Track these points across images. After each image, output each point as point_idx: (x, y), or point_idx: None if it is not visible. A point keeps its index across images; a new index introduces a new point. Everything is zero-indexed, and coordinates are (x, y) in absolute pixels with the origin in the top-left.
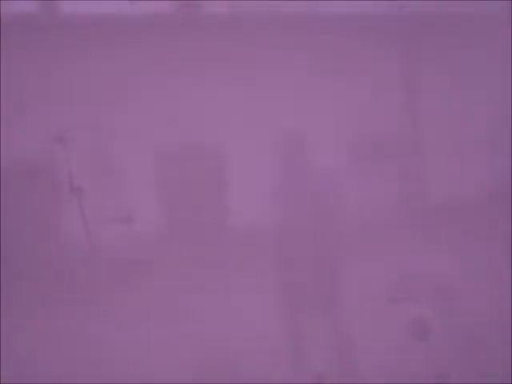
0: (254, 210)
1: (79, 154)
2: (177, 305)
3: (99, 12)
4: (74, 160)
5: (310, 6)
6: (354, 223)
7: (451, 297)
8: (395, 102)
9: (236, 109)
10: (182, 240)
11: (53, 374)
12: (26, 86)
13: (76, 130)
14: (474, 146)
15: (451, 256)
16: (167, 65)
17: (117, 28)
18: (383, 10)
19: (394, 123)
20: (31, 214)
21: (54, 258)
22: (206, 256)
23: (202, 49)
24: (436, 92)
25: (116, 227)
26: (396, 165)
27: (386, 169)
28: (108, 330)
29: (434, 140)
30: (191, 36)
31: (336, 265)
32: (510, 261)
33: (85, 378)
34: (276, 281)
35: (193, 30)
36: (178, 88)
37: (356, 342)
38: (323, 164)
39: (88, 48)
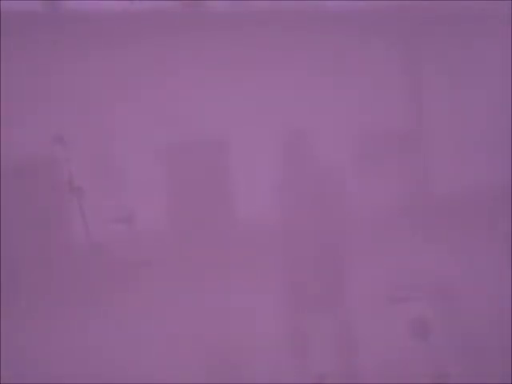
0: (257, 208)
1: (79, 154)
2: (178, 304)
3: (100, 10)
4: (74, 160)
5: (311, 5)
6: (355, 221)
7: (451, 296)
8: (397, 100)
9: (237, 108)
10: (184, 239)
11: (52, 373)
12: (25, 86)
13: (76, 129)
14: (475, 145)
15: (452, 255)
16: (167, 64)
17: (117, 26)
18: (384, 8)
19: (397, 121)
20: (31, 214)
21: (54, 257)
22: (209, 255)
23: (203, 48)
24: (437, 90)
25: (116, 227)
26: (398, 163)
27: (388, 167)
28: (108, 329)
29: (435, 138)
30: (192, 35)
31: (338, 264)
32: (511, 260)
33: (84, 376)
34: (279, 279)
35: (194, 29)
36: (177, 87)
37: (357, 342)
38: (325, 162)
39: (88, 47)
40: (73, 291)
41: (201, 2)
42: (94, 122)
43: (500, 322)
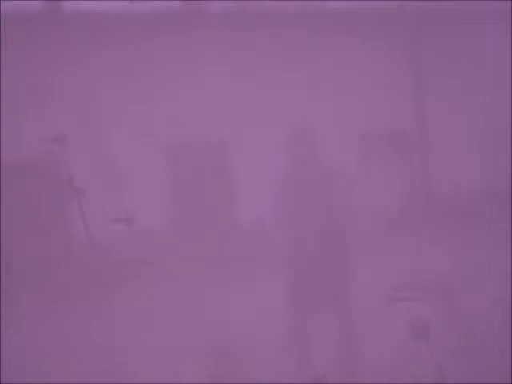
0: (259, 208)
1: (79, 154)
2: (178, 304)
3: (100, 10)
4: (74, 160)
5: (313, 4)
6: (356, 221)
7: (452, 296)
8: (399, 101)
9: (239, 108)
10: (185, 238)
11: (52, 372)
12: (25, 86)
13: (76, 129)
14: (476, 144)
15: (452, 255)
16: (167, 64)
17: (117, 26)
18: (386, 6)
19: (402, 119)
20: (31, 214)
21: (54, 257)
22: (211, 254)
23: (203, 48)
24: (439, 90)
25: (116, 227)
26: (400, 163)
27: (389, 167)
28: (108, 329)
29: (437, 138)
30: (192, 35)
31: (339, 264)
32: (511, 260)
33: (83, 376)
34: (280, 279)
35: (194, 29)
36: (177, 88)
37: (357, 342)
38: (327, 162)
39: (88, 47)
40: (73, 291)
41: (201, 2)
42: (93, 122)
43: (500, 322)
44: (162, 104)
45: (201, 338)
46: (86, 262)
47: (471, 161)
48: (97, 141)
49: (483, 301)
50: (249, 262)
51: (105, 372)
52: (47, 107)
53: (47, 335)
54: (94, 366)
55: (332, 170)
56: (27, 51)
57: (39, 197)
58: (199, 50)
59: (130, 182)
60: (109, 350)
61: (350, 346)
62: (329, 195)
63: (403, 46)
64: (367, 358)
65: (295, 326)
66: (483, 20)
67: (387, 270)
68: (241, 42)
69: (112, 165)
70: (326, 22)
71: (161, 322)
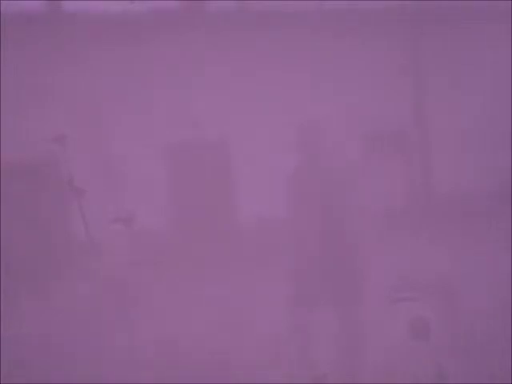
0: (262, 206)
1: (79, 153)
2: (178, 304)
3: (100, 10)
4: (74, 160)
5: (312, 4)
6: (357, 220)
7: (452, 296)
8: (398, 100)
9: (240, 107)
10: (185, 238)
11: (51, 372)
12: (26, 86)
13: (76, 129)
14: (476, 144)
15: (452, 254)
16: (167, 64)
17: (117, 26)
18: (388, 4)
19: (402, 119)
20: (31, 214)
21: (55, 256)
22: (212, 253)
23: (203, 48)
24: (439, 89)
25: (116, 227)
26: (400, 162)
27: (389, 166)
28: (109, 329)
29: (437, 137)
30: (192, 35)
31: (340, 263)
32: (511, 260)
33: (83, 376)
34: (280, 279)
35: (194, 29)
36: (177, 88)
37: (357, 342)
38: (329, 161)
39: (88, 48)
40: (73, 291)
41: (201, 2)
42: (93, 122)
43: (500, 322)
44: (162, 104)
45: (201, 338)
46: (85, 261)
47: (471, 161)
48: (97, 141)
49: (483, 301)
50: (249, 262)
51: (104, 372)
52: (47, 107)
53: (46, 335)
54: (93, 365)
55: (333, 170)
56: (27, 51)
57: (39, 197)
58: (199, 50)
59: (130, 182)
60: (109, 349)
61: (350, 346)
62: (330, 195)
63: (403, 46)
64: (367, 358)
65: (296, 323)
66: (483, 20)
67: (387, 270)
68: (241, 42)
69: (112, 165)
70: (327, 21)
71: (161, 321)
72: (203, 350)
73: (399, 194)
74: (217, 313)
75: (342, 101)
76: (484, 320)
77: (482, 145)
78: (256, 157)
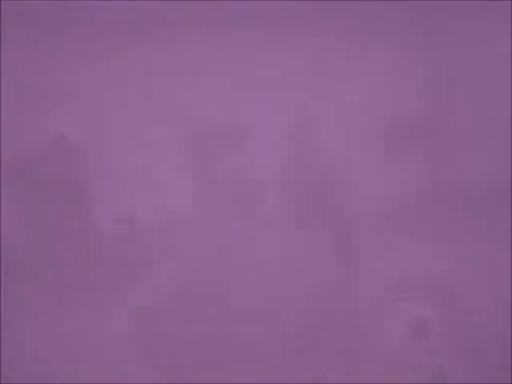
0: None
1: (79, 153)
2: (178, 303)
3: (101, 10)
4: (75, 160)
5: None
6: (358, 218)
7: (452, 296)
8: (415, 87)
9: (246, 103)
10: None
11: (52, 371)
12: (26, 86)
13: (76, 129)
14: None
15: (453, 254)
16: (166, 65)
17: (117, 26)
18: None
19: (413, 108)
20: (31, 214)
21: (55, 256)
22: (213, 254)
23: (203, 47)
24: (459, 78)
25: (116, 227)
26: (422, 149)
27: (410, 153)
28: (108, 330)
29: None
30: (192, 34)
31: (341, 261)
32: (511, 260)
33: (82, 372)
34: (281, 277)
35: (198, 25)
36: (177, 87)
37: (357, 342)
38: (338, 151)
39: (88, 48)
40: (72, 290)
41: (201, 2)
42: (94, 122)
43: (500, 322)
44: (162, 104)
45: (201, 337)
46: (86, 260)
47: (484, 153)
48: (97, 141)
49: (483, 301)
50: (251, 262)
51: (104, 370)
52: (47, 107)
53: (46, 335)
54: (93, 365)
55: (343, 160)
56: (27, 50)
57: (39, 197)
58: (199, 49)
59: (131, 182)
60: (109, 350)
61: (349, 346)
62: (334, 184)
63: (422, 22)
64: (367, 358)
65: (295, 326)
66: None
67: (388, 271)
68: (241, 42)
69: (112, 165)
70: (341, 10)
71: (162, 320)
72: (202, 349)
73: (409, 187)
74: (216, 312)
75: (355, 87)
76: (484, 320)
77: (500, 136)
78: (265, 147)
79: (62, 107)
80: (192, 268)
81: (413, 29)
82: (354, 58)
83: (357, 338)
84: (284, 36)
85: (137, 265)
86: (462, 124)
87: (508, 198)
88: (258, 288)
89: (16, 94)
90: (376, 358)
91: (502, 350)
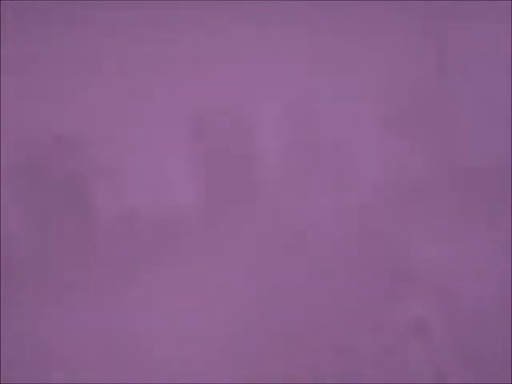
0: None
1: (80, 153)
2: (177, 304)
3: (101, 10)
4: (76, 159)
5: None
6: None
7: (452, 296)
8: (424, 73)
9: (248, 98)
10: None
11: (52, 370)
12: (26, 86)
13: (76, 129)
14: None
15: (453, 254)
16: (166, 65)
17: (117, 26)
18: None
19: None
20: (31, 213)
21: (56, 256)
22: (214, 254)
23: (203, 47)
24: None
25: (116, 227)
26: (426, 131)
27: (414, 135)
28: (109, 329)
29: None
30: (193, 33)
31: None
32: (511, 260)
33: (83, 370)
34: (282, 277)
35: (196, 28)
36: (176, 88)
37: (357, 342)
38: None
39: (88, 47)
40: (72, 290)
41: (201, 2)
42: (94, 122)
43: (500, 322)
44: (162, 104)
45: (201, 337)
46: (86, 259)
47: (492, 135)
48: (98, 140)
49: (483, 301)
50: (252, 261)
51: (105, 369)
52: (47, 107)
53: (46, 336)
54: (93, 364)
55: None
56: (27, 50)
57: (39, 196)
58: (200, 50)
59: (132, 182)
60: (109, 349)
61: (350, 346)
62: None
63: (418, 34)
64: (367, 358)
65: (295, 325)
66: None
67: (388, 270)
68: (241, 42)
69: (113, 164)
70: (348, 5)
71: (161, 320)
72: (202, 349)
73: (417, 168)
74: (215, 313)
75: (364, 69)
76: (484, 320)
77: (506, 120)
78: (270, 130)
79: (61, 107)
80: (192, 266)
81: (413, 29)
82: (353, 56)
83: (357, 337)
84: (284, 36)
85: (137, 265)
86: (463, 117)
87: (508, 184)
88: (258, 288)
89: (16, 94)
90: (376, 358)
91: (502, 350)
